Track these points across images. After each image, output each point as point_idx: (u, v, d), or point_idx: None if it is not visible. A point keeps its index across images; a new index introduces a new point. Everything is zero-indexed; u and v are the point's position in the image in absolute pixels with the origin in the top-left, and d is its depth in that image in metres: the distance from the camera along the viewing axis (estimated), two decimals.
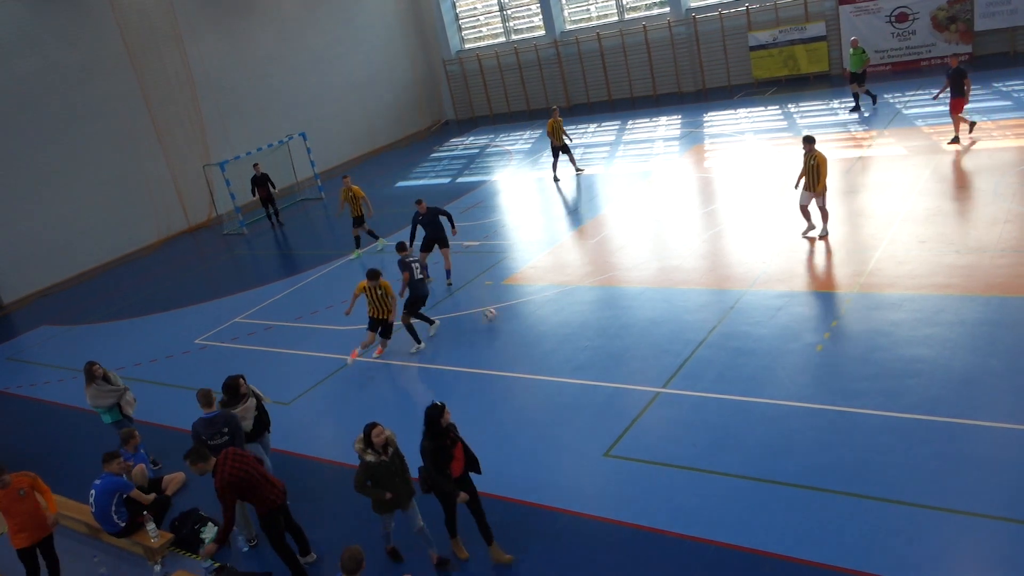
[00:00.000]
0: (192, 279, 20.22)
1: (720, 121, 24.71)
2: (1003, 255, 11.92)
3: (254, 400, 9.44)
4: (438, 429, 7.46)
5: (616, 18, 31.19)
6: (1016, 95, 20.38)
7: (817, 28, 26.94)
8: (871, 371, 9.72)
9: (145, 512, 9.14)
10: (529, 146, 27.18)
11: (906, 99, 22.02)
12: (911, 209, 14.52)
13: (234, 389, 9.28)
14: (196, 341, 15.53)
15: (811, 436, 8.81)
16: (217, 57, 26.33)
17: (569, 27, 32.33)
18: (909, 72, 25.20)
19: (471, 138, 30.97)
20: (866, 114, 21.49)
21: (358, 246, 18.71)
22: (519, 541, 8.16)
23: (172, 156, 25.00)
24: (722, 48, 28.89)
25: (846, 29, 26.33)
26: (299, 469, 10.30)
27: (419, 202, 15.47)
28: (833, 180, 17.02)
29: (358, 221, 18.47)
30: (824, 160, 13.66)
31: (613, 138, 25.69)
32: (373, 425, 7.62)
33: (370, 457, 7.54)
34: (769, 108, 24.85)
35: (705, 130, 23.96)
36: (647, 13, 30.48)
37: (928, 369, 9.49)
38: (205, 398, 9.03)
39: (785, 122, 22.80)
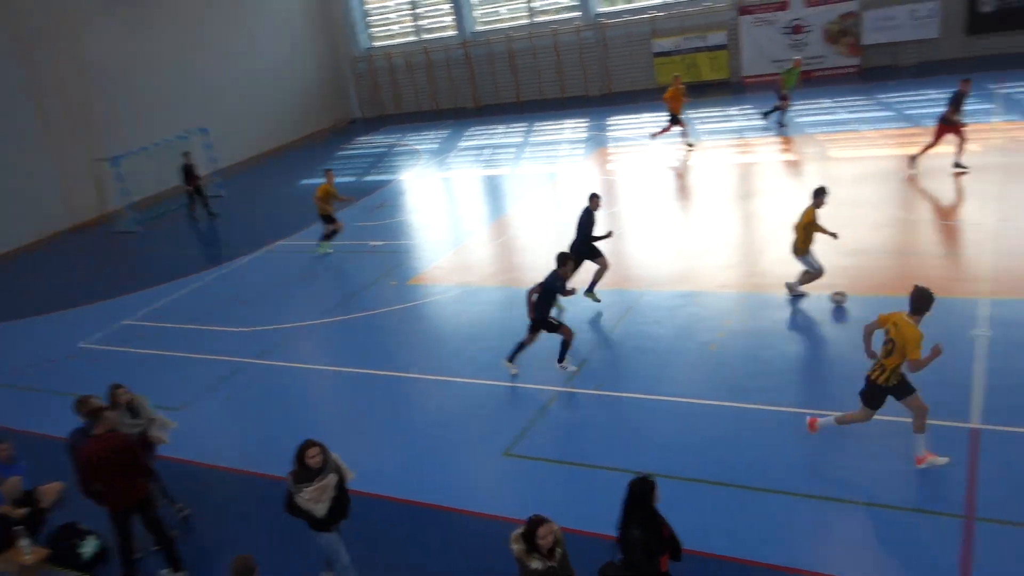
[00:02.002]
0: (78, 279, 19.23)
1: (625, 125, 25.18)
2: (886, 257, 12.52)
3: (335, 476, 7.06)
4: (651, 511, 5.84)
5: (526, 21, 31.39)
6: (898, 106, 21.50)
7: (719, 37, 27.78)
8: (761, 368, 10.05)
9: (18, 527, 8.61)
10: (437, 146, 27.05)
11: (799, 108, 22.91)
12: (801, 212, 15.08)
13: (300, 459, 6.94)
14: (81, 344, 14.77)
15: (705, 431, 9.05)
16: (112, 46, 25.11)
17: (479, 28, 32.35)
18: (803, 82, 26.22)
19: (378, 137, 30.63)
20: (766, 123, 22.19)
21: (328, 239, 17.49)
22: (418, 542, 8.07)
23: (59, 150, 23.69)
24: (628, 53, 29.46)
25: (746, 39, 27.26)
26: (195, 478, 9.91)
27: (595, 196, 12.46)
28: (729, 185, 17.58)
29: (330, 219, 17.26)
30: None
31: (520, 139, 25.84)
32: (541, 521, 5.75)
33: (536, 563, 5.73)
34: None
35: (610, 133, 24.36)
36: (556, 17, 30.80)
37: (815, 366, 9.89)
38: (83, 406, 8.54)
39: (686, 127, 23.35)
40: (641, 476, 5.88)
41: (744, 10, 27.15)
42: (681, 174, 19.06)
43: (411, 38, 33.75)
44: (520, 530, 5.83)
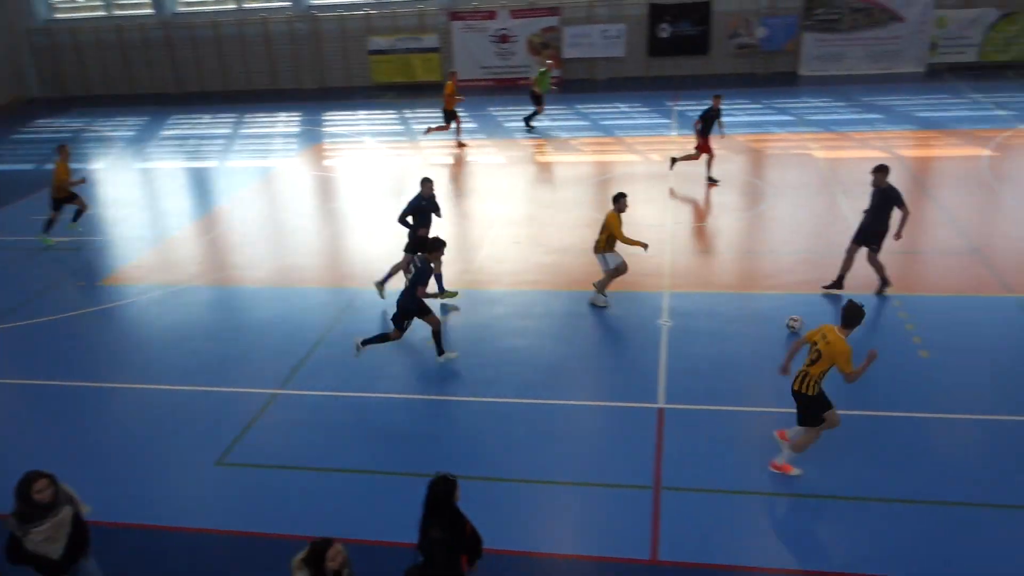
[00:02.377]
0: None
1: (340, 121, 24.93)
2: (583, 255, 13.60)
3: (70, 509, 6.12)
4: (453, 512, 5.76)
5: (234, 6, 29.82)
6: (593, 117, 23.56)
7: (431, 40, 28.48)
8: (475, 361, 10.49)
9: None
10: (134, 134, 24.79)
11: (507, 113, 24.22)
12: (509, 213, 16.00)
13: (24, 495, 5.85)
14: None
15: (423, 425, 9.25)
16: None
17: (181, 9, 30.14)
18: (509, 89, 27.76)
19: (63, 120, 27.38)
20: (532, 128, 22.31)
21: (48, 231, 15.48)
22: (123, 568, 7.35)
23: None
24: (343, 49, 29.16)
25: (457, 43, 28.21)
26: None
27: (427, 181, 11.95)
28: (443, 184, 18.12)
29: (72, 198, 15.51)
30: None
31: (229, 131, 24.53)
32: (327, 543, 5.35)
33: None
34: (386, 112, 25.66)
35: (325, 129, 23.97)
36: (267, 5, 29.62)
37: (522, 357, 10.52)
38: None
39: (401, 126, 23.72)
40: (442, 475, 5.77)
41: (455, 16, 28.09)
42: (396, 173, 19.27)
43: (100, 13, 30.57)
44: (302, 554, 5.38)
